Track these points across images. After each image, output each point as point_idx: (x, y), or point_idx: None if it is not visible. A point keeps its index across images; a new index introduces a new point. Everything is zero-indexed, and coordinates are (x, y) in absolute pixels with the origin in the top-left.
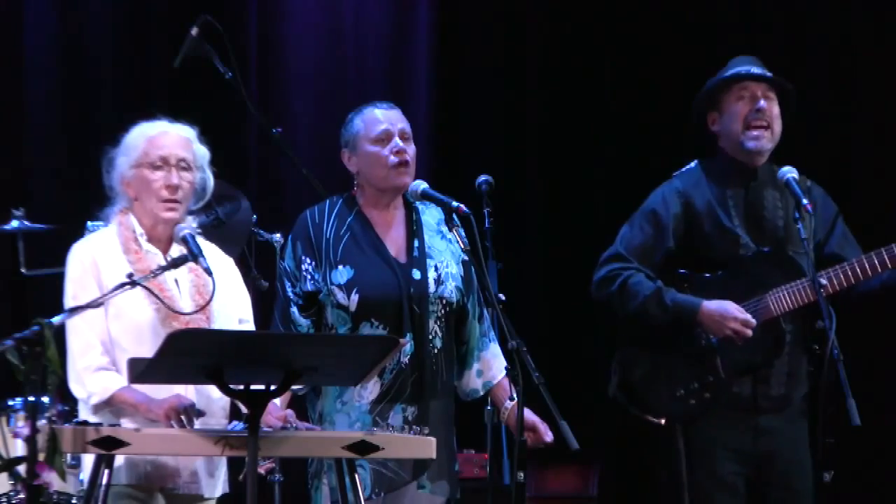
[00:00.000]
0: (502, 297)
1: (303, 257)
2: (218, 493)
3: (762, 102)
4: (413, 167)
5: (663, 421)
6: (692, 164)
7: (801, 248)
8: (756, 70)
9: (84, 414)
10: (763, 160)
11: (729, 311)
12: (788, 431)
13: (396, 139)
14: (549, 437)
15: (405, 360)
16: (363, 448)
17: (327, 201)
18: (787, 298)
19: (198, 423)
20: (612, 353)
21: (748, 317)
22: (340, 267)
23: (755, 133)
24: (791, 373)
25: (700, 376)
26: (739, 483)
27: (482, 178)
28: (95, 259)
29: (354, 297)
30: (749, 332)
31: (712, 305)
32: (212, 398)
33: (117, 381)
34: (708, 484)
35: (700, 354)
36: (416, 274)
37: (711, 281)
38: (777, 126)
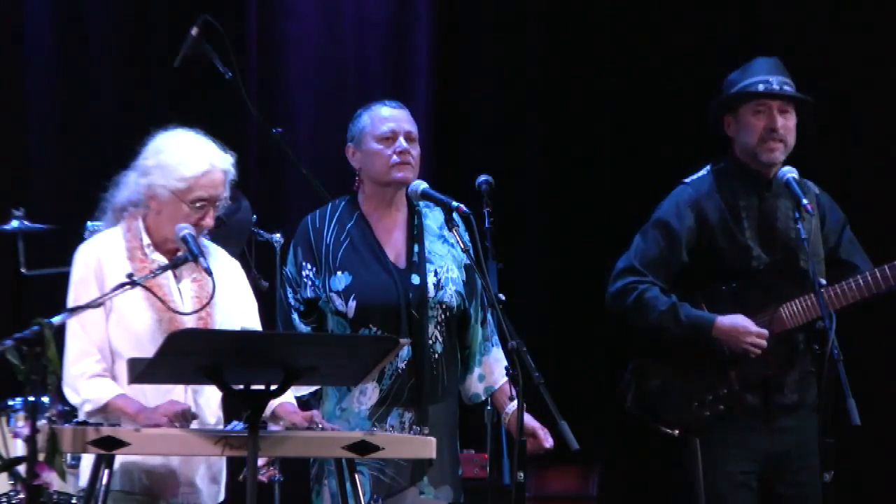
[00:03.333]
0: (502, 297)
1: (303, 263)
2: (220, 499)
3: (778, 121)
4: (416, 169)
5: (677, 432)
6: (703, 172)
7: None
8: (775, 82)
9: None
10: (777, 170)
11: (743, 325)
12: (801, 429)
13: (401, 139)
14: (549, 443)
15: (402, 364)
16: (363, 448)
17: (329, 205)
18: (802, 312)
19: (194, 424)
20: (611, 352)
21: (762, 330)
22: (339, 273)
23: (769, 146)
24: (802, 378)
25: (714, 388)
26: (752, 481)
27: (482, 178)
28: (101, 262)
29: (352, 304)
30: (764, 344)
31: (726, 321)
32: (205, 404)
33: (111, 389)
34: (721, 484)
35: (714, 366)
36: (415, 279)
37: (725, 293)
38: (791, 139)
